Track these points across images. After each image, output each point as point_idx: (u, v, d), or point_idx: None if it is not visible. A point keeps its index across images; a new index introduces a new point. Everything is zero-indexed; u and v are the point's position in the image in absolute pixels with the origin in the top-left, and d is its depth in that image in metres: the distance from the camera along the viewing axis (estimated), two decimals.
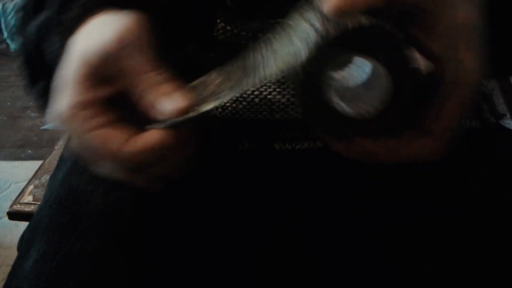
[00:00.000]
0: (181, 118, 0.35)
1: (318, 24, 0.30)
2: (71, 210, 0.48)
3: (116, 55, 0.37)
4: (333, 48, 0.30)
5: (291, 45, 0.31)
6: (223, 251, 0.50)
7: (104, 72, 0.37)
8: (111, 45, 0.37)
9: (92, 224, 0.46)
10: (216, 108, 0.51)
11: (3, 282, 0.47)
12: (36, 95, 0.45)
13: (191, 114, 0.35)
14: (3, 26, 0.51)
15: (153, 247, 0.46)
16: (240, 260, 0.51)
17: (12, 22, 0.48)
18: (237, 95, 0.34)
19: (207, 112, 0.34)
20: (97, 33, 0.38)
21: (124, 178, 0.40)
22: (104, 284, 0.43)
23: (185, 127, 0.37)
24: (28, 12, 0.43)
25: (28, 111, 2.21)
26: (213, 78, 0.37)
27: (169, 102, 0.36)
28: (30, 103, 2.26)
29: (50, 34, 0.41)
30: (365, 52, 0.30)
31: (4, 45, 2.74)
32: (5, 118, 2.18)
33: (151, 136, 0.36)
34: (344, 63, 0.31)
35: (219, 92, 0.34)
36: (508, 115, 1.08)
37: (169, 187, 0.50)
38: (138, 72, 0.37)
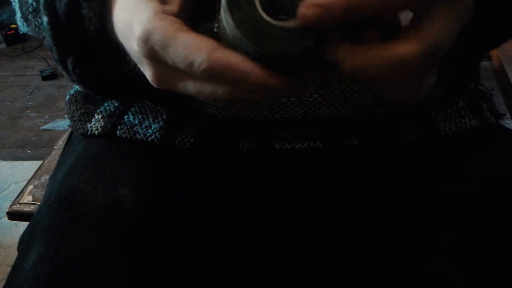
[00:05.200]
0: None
1: None
2: (71, 210, 0.47)
3: None
4: None
5: None
6: (223, 251, 0.50)
7: None
8: None
9: (92, 224, 0.46)
10: (217, 108, 0.51)
11: (3, 282, 0.47)
12: (69, 69, 0.44)
13: None
14: (16, 7, 0.51)
15: (153, 247, 0.46)
16: (240, 259, 0.51)
17: (30, 1, 0.47)
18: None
19: None
20: None
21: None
22: (104, 284, 0.43)
23: None
24: None
25: (27, 111, 2.21)
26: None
27: None
28: (30, 103, 2.26)
29: (80, 7, 0.40)
30: None
31: (4, 45, 2.74)
32: (4, 118, 2.18)
33: None
34: None
35: None
36: (508, 115, 1.08)
37: (169, 186, 0.50)
38: None
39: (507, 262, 0.43)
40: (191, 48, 0.31)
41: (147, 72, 0.35)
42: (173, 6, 0.34)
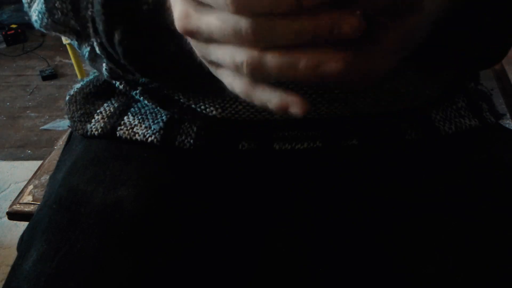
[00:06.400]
0: None
1: None
2: (71, 210, 0.48)
3: None
4: None
5: None
6: (223, 251, 0.50)
7: None
8: None
9: (92, 224, 0.46)
10: (216, 108, 0.51)
11: (3, 282, 0.47)
12: (117, 40, 0.42)
13: None
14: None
15: (153, 247, 0.46)
16: (240, 259, 0.51)
17: None
18: None
19: None
20: None
21: None
22: (104, 284, 0.43)
23: None
24: None
25: (28, 111, 2.21)
26: None
27: None
28: (30, 103, 2.26)
29: None
30: None
31: (4, 45, 2.74)
32: (4, 118, 2.18)
33: None
34: None
35: None
36: (508, 115, 1.08)
37: (169, 187, 0.50)
38: None
39: (507, 262, 0.43)
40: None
41: (176, 9, 0.32)
42: None
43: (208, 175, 0.53)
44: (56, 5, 0.47)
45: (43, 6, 0.48)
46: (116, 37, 0.42)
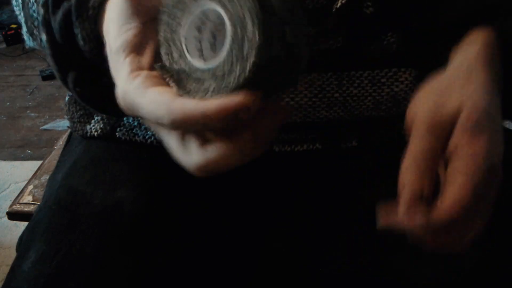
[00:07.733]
0: None
1: None
2: (71, 211, 0.48)
3: None
4: None
5: None
6: (223, 251, 0.50)
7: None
8: None
9: (91, 224, 0.46)
10: None
11: (3, 283, 0.47)
12: (70, 87, 0.43)
13: None
14: (21, 20, 0.50)
15: (153, 247, 0.46)
16: (240, 259, 0.51)
17: (34, 15, 0.47)
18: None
19: None
20: None
21: None
22: (104, 284, 0.43)
23: None
24: (48, 7, 0.41)
25: (28, 111, 2.21)
26: None
27: None
28: (30, 103, 2.26)
29: (73, 26, 0.39)
30: None
31: (4, 45, 2.74)
32: (4, 118, 2.18)
33: None
34: None
35: None
36: None
37: (168, 188, 0.50)
38: None
39: (507, 262, 0.43)
40: (155, 105, 0.31)
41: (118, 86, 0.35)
42: (147, 58, 0.34)
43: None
44: (34, 32, 0.48)
45: (25, 30, 0.49)
46: (69, 84, 0.43)
